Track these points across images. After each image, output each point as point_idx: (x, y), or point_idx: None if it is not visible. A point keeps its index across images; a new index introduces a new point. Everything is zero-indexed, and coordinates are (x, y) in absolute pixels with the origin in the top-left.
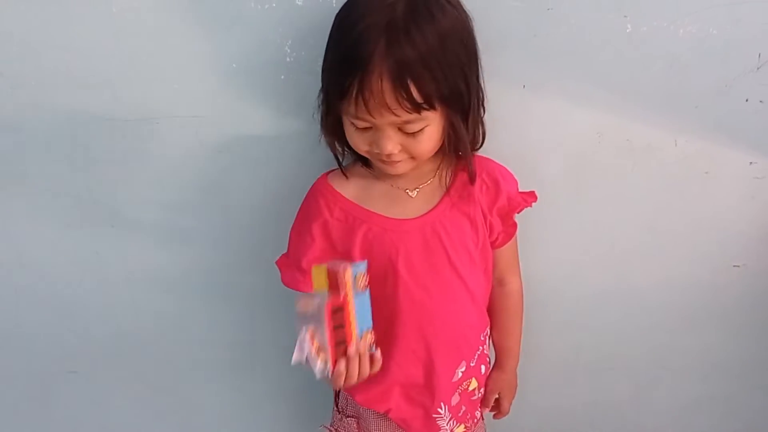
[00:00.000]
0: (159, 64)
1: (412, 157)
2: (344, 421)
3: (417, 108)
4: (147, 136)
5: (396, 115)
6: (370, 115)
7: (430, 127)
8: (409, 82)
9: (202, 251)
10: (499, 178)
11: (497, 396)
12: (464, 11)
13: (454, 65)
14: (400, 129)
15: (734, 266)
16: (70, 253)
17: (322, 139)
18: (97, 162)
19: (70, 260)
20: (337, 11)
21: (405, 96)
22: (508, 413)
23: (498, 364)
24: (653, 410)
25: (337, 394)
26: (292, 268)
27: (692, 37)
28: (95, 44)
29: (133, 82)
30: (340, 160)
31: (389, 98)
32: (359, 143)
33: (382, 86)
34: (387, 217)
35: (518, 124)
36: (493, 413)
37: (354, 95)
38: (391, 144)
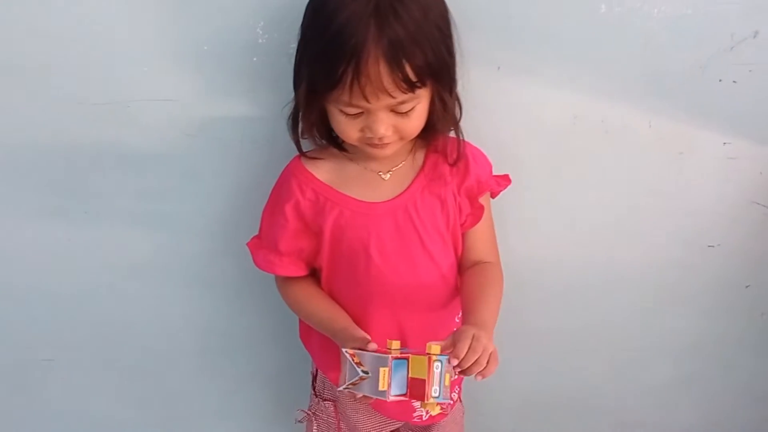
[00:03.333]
0: (128, 47)
1: (401, 138)
2: (321, 405)
3: (412, 87)
4: (118, 120)
5: (392, 96)
6: (366, 100)
7: (421, 104)
8: (404, 61)
9: (177, 236)
10: (469, 159)
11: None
12: None
13: (438, 38)
14: (392, 110)
15: (709, 247)
16: (43, 241)
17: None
18: (68, 147)
19: (42, 248)
20: None
21: (401, 76)
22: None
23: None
24: (631, 390)
25: (314, 378)
26: (265, 249)
27: (666, 17)
28: (63, 27)
29: (103, 66)
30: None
31: (386, 81)
32: (350, 131)
33: (379, 70)
34: (359, 201)
35: (493, 107)
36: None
37: (348, 83)
38: (384, 126)
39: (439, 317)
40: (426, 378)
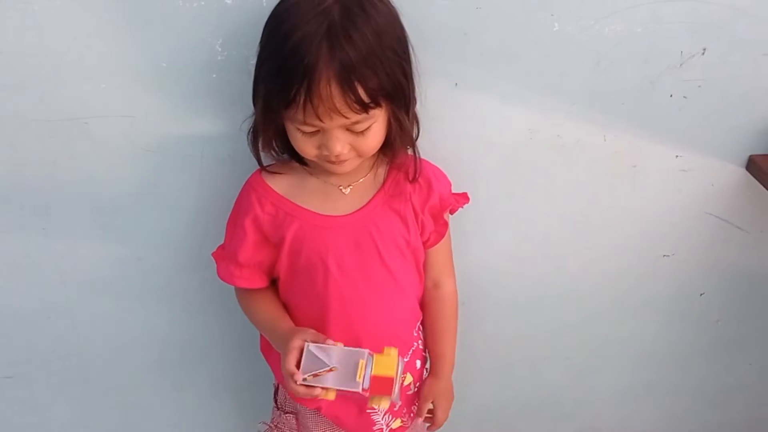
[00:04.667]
0: (86, 63)
1: (359, 155)
2: (283, 418)
3: (365, 108)
4: (76, 137)
5: (345, 117)
6: (320, 119)
7: (377, 124)
8: (356, 83)
9: (137, 252)
10: (431, 178)
11: (432, 405)
12: (392, 5)
13: (393, 60)
14: (348, 129)
15: (664, 256)
16: (0, 257)
17: (249, 146)
18: (25, 164)
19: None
20: (268, 15)
21: (353, 98)
22: (442, 425)
23: (432, 371)
24: (590, 398)
25: (276, 391)
26: (227, 260)
27: (617, 35)
28: (19, 43)
29: (60, 82)
30: (272, 161)
31: (338, 102)
32: (307, 148)
33: (331, 91)
34: (318, 214)
35: (451, 122)
36: (427, 425)
37: (302, 103)
38: (340, 145)
39: (396, 331)
40: (393, 375)
